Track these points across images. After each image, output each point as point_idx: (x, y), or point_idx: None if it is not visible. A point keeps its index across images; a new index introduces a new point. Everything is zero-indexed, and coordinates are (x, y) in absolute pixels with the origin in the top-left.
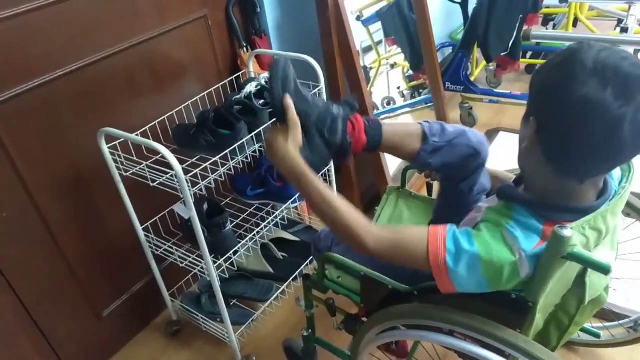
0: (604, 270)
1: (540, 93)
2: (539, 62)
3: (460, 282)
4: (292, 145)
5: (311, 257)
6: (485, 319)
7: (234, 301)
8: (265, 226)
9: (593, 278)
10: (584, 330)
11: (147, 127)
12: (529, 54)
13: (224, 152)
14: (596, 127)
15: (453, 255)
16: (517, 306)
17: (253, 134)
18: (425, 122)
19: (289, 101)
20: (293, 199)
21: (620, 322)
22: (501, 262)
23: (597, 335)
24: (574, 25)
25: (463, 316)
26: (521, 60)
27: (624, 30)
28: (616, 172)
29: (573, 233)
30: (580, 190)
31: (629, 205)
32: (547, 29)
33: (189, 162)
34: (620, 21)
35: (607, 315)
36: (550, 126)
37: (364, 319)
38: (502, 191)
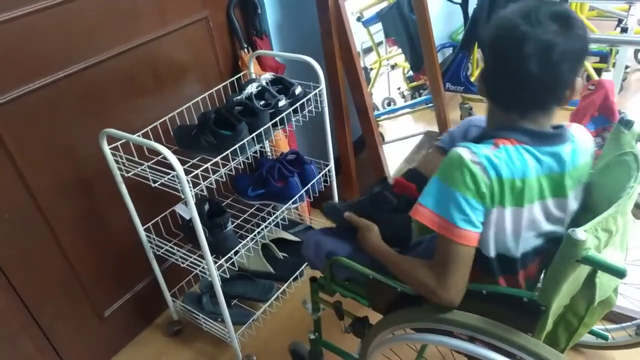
0: (620, 274)
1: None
2: None
3: (463, 218)
4: (374, 237)
5: None
6: (496, 322)
7: (235, 301)
8: (266, 226)
9: (603, 279)
10: (592, 332)
11: (149, 128)
12: None
13: (225, 153)
14: (508, 54)
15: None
16: (530, 310)
17: (254, 134)
18: (437, 140)
19: (348, 215)
20: (294, 199)
21: (623, 325)
22: (450, 163)
23: (605, 338)
24: None
25: (472, 319)
26: None
27: (624, 30)
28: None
29: (587, 236)
30: (521, 120)
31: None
32: None
33: (190, 163)
34: (620, 21)
35: (612, 317)
36: (488, 65)
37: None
38: None
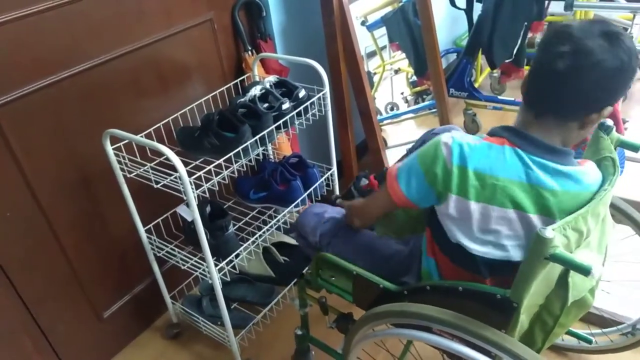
0: (585, 271)
1: None
2: None
3: (405, 180)
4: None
5: None
6: (471, 318)
7: (235, 305)
8: (268, 230)
9: (576, 279)
10: (576, 336)
11: (152, 129)
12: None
13: (228, 155)
14: (543, 61)
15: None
16: (502, 306)
17: (257, 137)
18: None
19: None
20: (295, 202)
21: (618, 327)
22: (430, 143)
23: (589, 341)
24: None
25: (449, 315)
26: (525, 67)
27: None
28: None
29: (555, 234)
30: (535, 126)
31: (620, 211)
32: None
33: (192, 165)
34: (624, 30)
35: (605, 321)
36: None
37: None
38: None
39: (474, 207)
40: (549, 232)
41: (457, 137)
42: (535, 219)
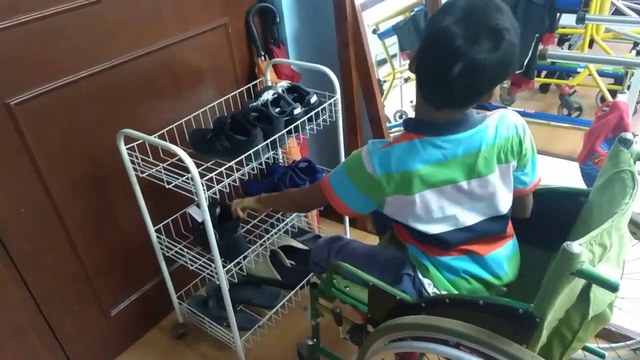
0: (613, 287)
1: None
2: (554, 81)
3: (338, 189)
4: (248, 200)
5: None
6: (491, 332)
7: (241, 307)
8: (275, 233)
9: (597, 293)
10: (589, 350)
11: (165, 130)
12: (544, 73)
13: (240, 158)
14: (439, 58)
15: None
16: (524, 321)
17: (268, 140)
18: None
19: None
20: None
21: (627, 342)
22: (353, 159)
23: (602, 356)
24: (590, 46)
25: (469, 329)
26: (536, 79)
27: None
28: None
29: (582, 250)
30: (436, 114)
31: (638, 226)
32: (562, 49)
33: (203, 167)
34: (636, 44)
35: (614, 336)
36: (419, 59)
37: (369, 328)
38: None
39: (412, 199)
40: (577, 247)
41: (371, 149)
42: (465, 184)
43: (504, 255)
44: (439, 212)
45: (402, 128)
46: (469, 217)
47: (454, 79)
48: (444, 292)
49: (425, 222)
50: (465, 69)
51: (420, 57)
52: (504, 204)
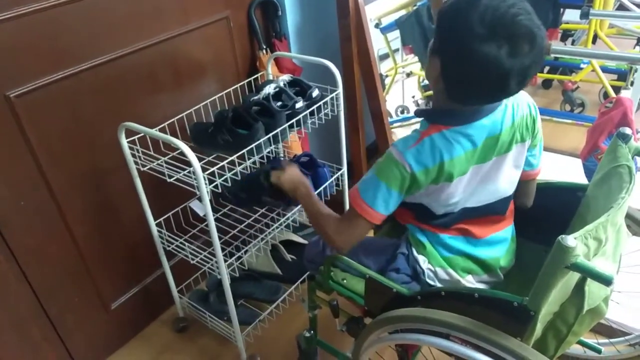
0: (607, 281)
1: (445, 40)
2: (557, 77)
3: (368, 195)
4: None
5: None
6: (486, 325)
7: (241, 301)
8: (276, 227)
9: (592, 287)
10: (585, 345)
11: (166, 123)
12: (547, 68)
13: (242, 152)
14: (490, 78)
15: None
16: (519, 314)
17: (270, 134)
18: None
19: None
20: None
21: (626, 337)
22: (385, 163)
23: (599, 351)
24: (594, 42)
25: (464, 321)
26: (538, 74)
27: None
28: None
29: (577, 243)
30: (462, 107)
31: (636, 222)
32: (565, 44)
33: (205, 160)
34: (639, 40)
35: (613, 331)
36: (453, 72)
37: (366, 320)
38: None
39: (442, 186)
40: (571, 240)
41: (402, 149)
42: (485, 165)
43: (501, 237)
44: (459, 196)
45: (403, 123)
46: (479, 197)
47: (512, 89)
48: (438, 269)
49: (442, 204)
50: (519, 79)
51: (460, 80)
52: (512, 183)
